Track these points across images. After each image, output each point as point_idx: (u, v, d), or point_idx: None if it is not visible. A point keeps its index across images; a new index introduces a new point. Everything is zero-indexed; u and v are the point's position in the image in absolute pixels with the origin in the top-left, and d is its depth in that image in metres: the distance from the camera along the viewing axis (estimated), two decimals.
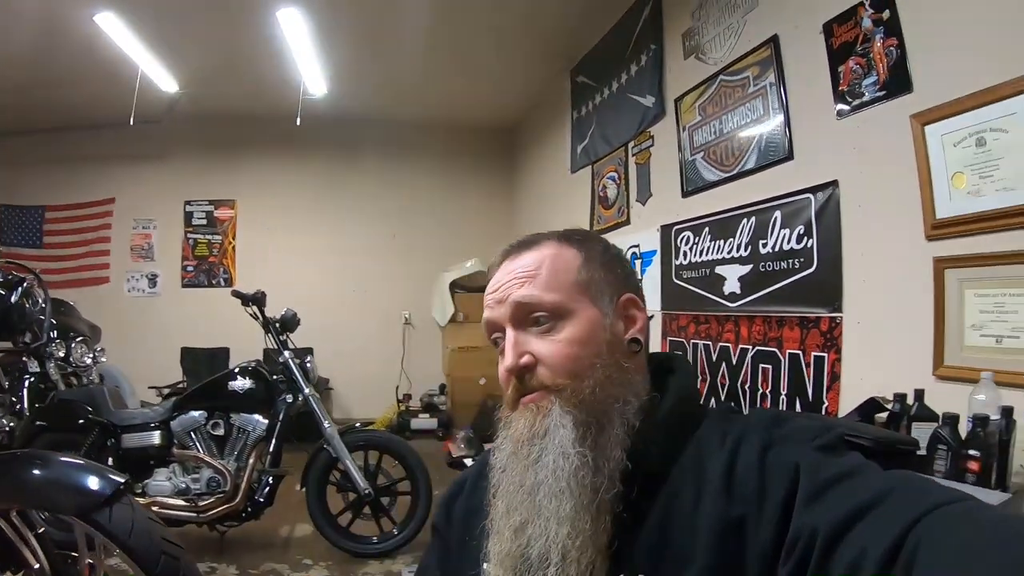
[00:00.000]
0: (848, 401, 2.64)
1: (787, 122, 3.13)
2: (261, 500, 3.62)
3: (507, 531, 0.86)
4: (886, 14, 2.56)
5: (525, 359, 0.89)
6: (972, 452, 1.81)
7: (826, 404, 2.83)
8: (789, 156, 3.13)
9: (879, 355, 2.59)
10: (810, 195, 2.97)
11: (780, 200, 3.15)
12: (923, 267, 2.38)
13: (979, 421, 1.84)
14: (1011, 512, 1.69)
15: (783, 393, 3.11)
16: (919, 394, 2.13)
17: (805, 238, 2.99)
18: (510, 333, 0.91)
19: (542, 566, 0.80)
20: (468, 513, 1.04)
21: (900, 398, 2.15)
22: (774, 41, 3.19)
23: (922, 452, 1.87)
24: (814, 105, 2.96)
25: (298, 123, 5.97)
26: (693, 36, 3.84)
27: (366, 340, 7.60)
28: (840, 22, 2.79)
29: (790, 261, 3.08)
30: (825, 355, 2.86)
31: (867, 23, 2.64)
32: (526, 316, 0.90)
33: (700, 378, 3.78)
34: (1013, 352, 2.09)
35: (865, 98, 2.68)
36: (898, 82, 2.52)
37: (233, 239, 7.65)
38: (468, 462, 5.64)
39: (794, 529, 0.67)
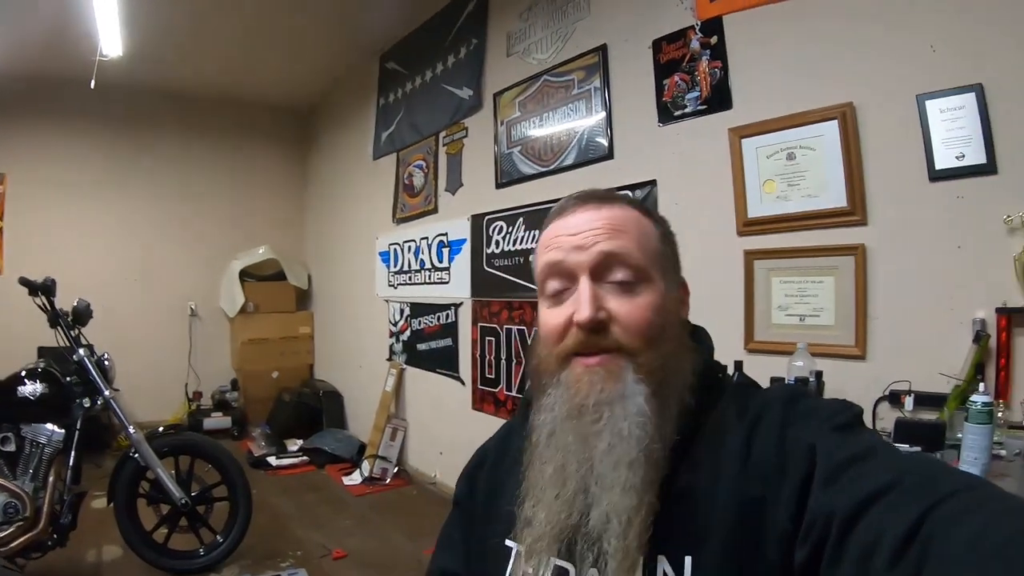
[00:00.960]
0: None
1: (609, 124, 3.32)
2: (66, 523, 3.02)
3: (555, 500, 0.80)
4: (714, 39, 2.83)
5: (603, 314, 0.82)
6: None
7: None
8: (609, 156, 3.32)
9: None
10: (629, 192, 3.12)
11: None
12: (735, 258, 2.69)
13: (800, 382, 2.17)
14: None
15: None
16: (738, 364, 2.37)
17: None
18: (587, 283, 0.83)
19: (599, 536, 0.76)
20: (492, 485, 1.00)
21: (722, 368, 2.42)
22: (603, 50, 3.36)
23: None
24: (637, 111, 3.17)
25: (92, 86, 4.85)
26: (519, 36, 3.93)
27: (149, 333, 6.57)
28: (669, 41, 3.02)
29: None
30: None
31: (695, 45, 2.90)
32: (607, 271, 0.84)
33: (516, 361, 3.88)
34: (813, 328, 2.47)
35: (687, 110, 2.94)
36: (720, 99, 2.81)
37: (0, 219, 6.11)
38: (272, 460, 5.24)
39: (811, 512, 0.66)
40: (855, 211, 2.38)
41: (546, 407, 0.85)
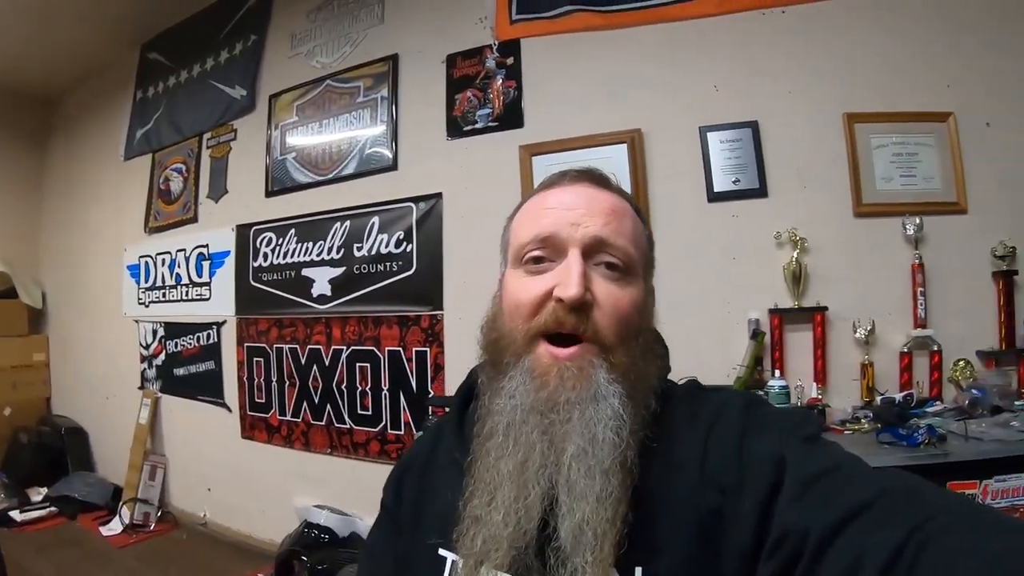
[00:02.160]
0: (454, 387, 2.66)
1: (395, 135, 3.01)
2: None
3: (514, 501, 0.70)
4: (511, 60, 2.71)
5: (588, 296, 0.74)
6: None
7: (432, 393, 2.83)
8: (393, 167, 3.00)
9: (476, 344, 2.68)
10: (412, 204, 2.91)
11: (380, 207, 3.00)
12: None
13: None
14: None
15: (385, 388, 2.98)
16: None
17: (405, 243, 2.92)
18: (577, 259, 0.74)
19: (572, 550, 0.67)
20: (421, 489, 0.89)
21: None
22: (394, 59, 3.08)
23: None
24: (426, 124, 2.92)
25: None
26: (304, 36, 3.48)
27: None
28: (465, 57, 2.85)
29: (388, 264, 2.96)
30: (427, 349, 2.86)
31: (491, 63, 2.75)
32: (599, 253, 0.76)
33: (288, 383, 3.35)
34: None
35: (478, 125, 2.76)
36: (512, 117, 2.68)
37: None
38: (16, 515, 3.99)
39: (780, 526, 0.60)
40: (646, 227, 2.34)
41: (505, 391, 0.75)
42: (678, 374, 2.12)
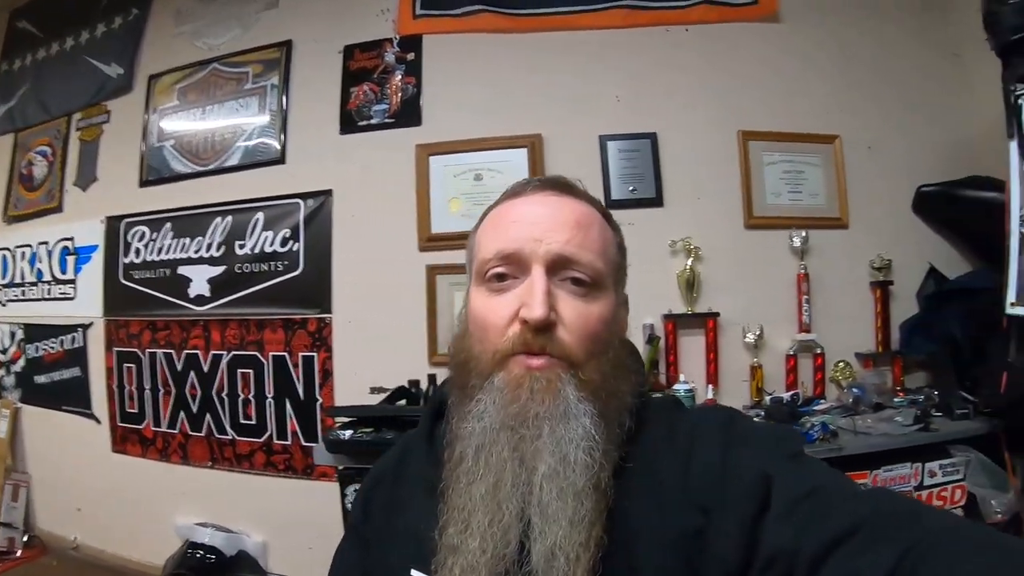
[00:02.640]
0: (343, 395, 2.57)
1: (284, 126, 2.79)
2: None
3: (489, 526, 0.66)
4: (411, 56, 2.58)
5: (553, 314, 0.70)
6: None
7: (320, 400, 2.64)
8: (281, 160, 2.78)
9: (373, 350, 2.55)
10: (300, 200, 2.70)
11: (265, 202, 2.77)
12: (417, 272, 2.46)
13: None
14: None
15: (269, 396, 2.74)
16: (432, 378, 2.28)
17: (291, 241, 2.70)
18: (541, 278, 0.70)
19: (545, 570, 0.64)
20: (390, 505, 0.84)
21: (414, 383, 2.26)
22: (287, 46, 2.85)
23: None
24: (318, 116, 2.73)
25: None
26: (191, 15, 3.17)
27: None
28: (363, 49, 2.69)
29: (273, 263, 2.73)
30: (315, 354, 2.66)
31: (390, 57, 2.61)
32: (564, 269, 0.72)
33: (163, 391, 3.02)
34: None
35: (373, 121, 2.60)
36: (409, 115, 2.55)
37: None
38: None
39: (769, 546, 0.57)
40: None
41: (474, 415, 0.71)
42: None
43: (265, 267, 2.76)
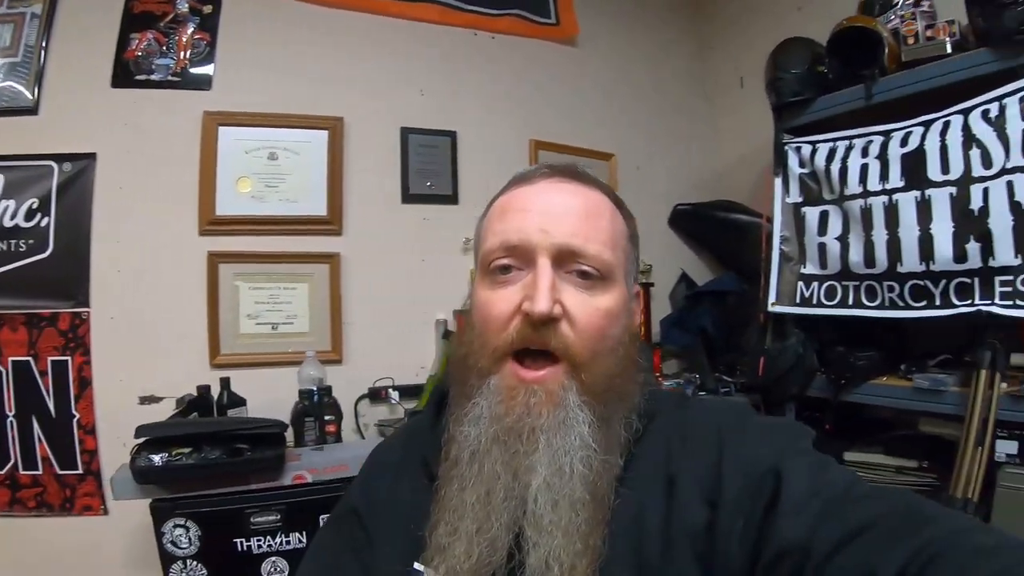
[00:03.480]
0: (107, 408, 2.08)
1: (41, 69, 2.38)
2: None
3: (476, 534, 0.66)
4: (208, 9, 2.32)
5: (558, 308, 0.68)
6: (328, 417, 2.05)
7: (77, 416, 2.09)
8: (33, 111, 2.40)
9: (143, 352, 2.14)
10: (54, 163, 2.25)
11: (8, 161, 2.34)
12: (197, 260, 2.16)
13: (316, 392, 2.06)
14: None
15: (10, 413, 2.08)
16: (225, 382, 2.02)
17: (40, 215, 2.21)
18: (546, 270, 0.68)
19: None
20: (395, 497, 0.81)
21: (204, 389, 1.99)
22: None
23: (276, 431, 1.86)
24: (86, 62, 2.32)
25: None
26: None
27: None
28: None
29: (13, 242, 2.20)
30: (69, 358, 2.12)
31: (183, 6, 2.33)
32: (571, 261, 0.70)
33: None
34: (288, 336, 2.22)
35: (155, 77, 2.30)
36: (199, 76, 2.29)
37: None
38: None
39: (779, 541, 0.56)
40: (333, 221, 2.27)
41: (471, 419, 0.70)
42: (372, 372, 2.03)
43: (3, 246, 2.22)
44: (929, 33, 1.87)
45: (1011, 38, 1.61)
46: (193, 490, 1.70)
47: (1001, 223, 1.58)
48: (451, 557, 0.66)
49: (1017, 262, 1.57)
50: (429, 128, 2.41)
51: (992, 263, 1.60)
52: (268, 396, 2.05)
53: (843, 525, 0.53)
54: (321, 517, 1.74)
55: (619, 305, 0.72)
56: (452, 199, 2.43)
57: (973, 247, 1.63)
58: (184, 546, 1.68)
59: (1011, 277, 1.58)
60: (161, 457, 1.66)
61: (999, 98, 1.62)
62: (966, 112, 1.68)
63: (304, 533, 1.76)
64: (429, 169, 2.40)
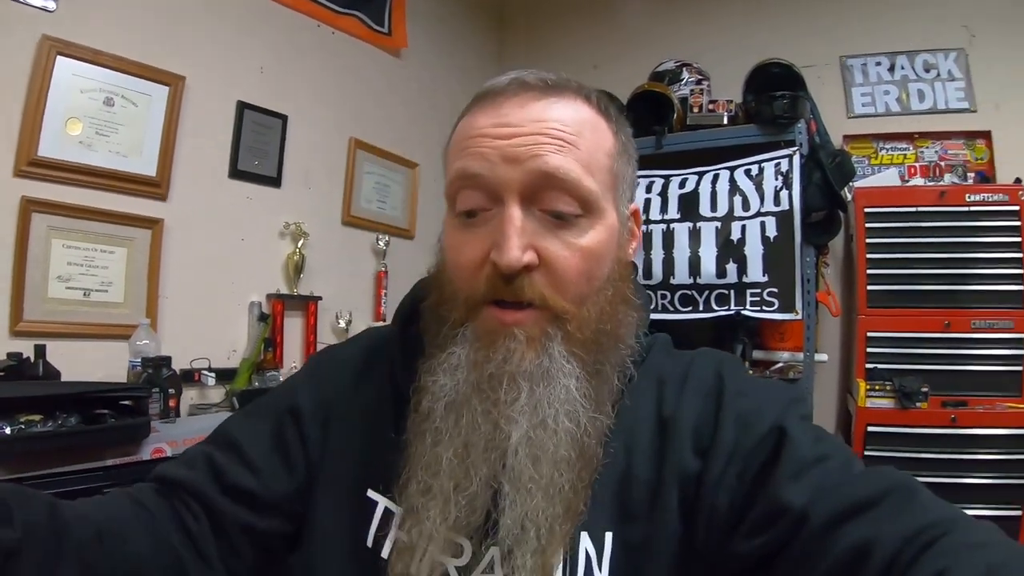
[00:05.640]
0: None
1: None
2: None
3: (454, 492, 0.61)
4: None
5: (530, 256, 0.60)
6: (171, 390, 1.95)
7: None
8: None
9: None
10: None
11: None
12: (6, 203, 1.89)
13: (152, 361, 1.96)
14: None
15: None
16: (40, 350, 1.80)
17: None
18: (515, 213, 0.60)
19: (510, 549, 0.60)
20: (348, 408, 0.76)
21: (14, 356, 1.74)
22: None
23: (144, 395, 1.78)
24: None
25: None
26: None
27: None
28: None
29: None
30: None
31: None
32: (544, 195, 0.61)
33: None
34: (101, 305, 2.05)
35: None
36: None
37: None
38: None
39: (774, 502, 0.55)
40: (161, 184, 2.19)
41: (447, 368, 0.63)
42: (185, 351, 2.12)
43: None
44: (711, 107, 2.74)
45: (775, 121, 2.51)
46: (45, 467, 1.47)
47: (753, 251, 2.46)
48: (424, 520, 0.61)
49: (764, 279, 2.45)
50: (264, 108, 2.45)
51: (745, 279, 2.43)
52: (79, 372, 1.88)
53: (842, 498, 0.52)
54: None
55: (607, 239, 0.64)
56: (276, 181, 2.50)
57: (731, 267, 2.46)
58: None
59: (759, 290, 2.47)
60: (9, 425, 1.44)
61: (759, 162, 2.53)
62: (733, 168, 2.57)
63: None
64: (259, 148, 2.44)
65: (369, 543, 0.68)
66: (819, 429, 0.63)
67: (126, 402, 1.72)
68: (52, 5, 1.95)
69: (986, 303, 2.35)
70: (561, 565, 0.62)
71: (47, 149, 1.95)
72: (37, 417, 1.49)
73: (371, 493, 0.69)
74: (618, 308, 0.66)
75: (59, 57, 1.96)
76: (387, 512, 0.68)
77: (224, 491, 0.70)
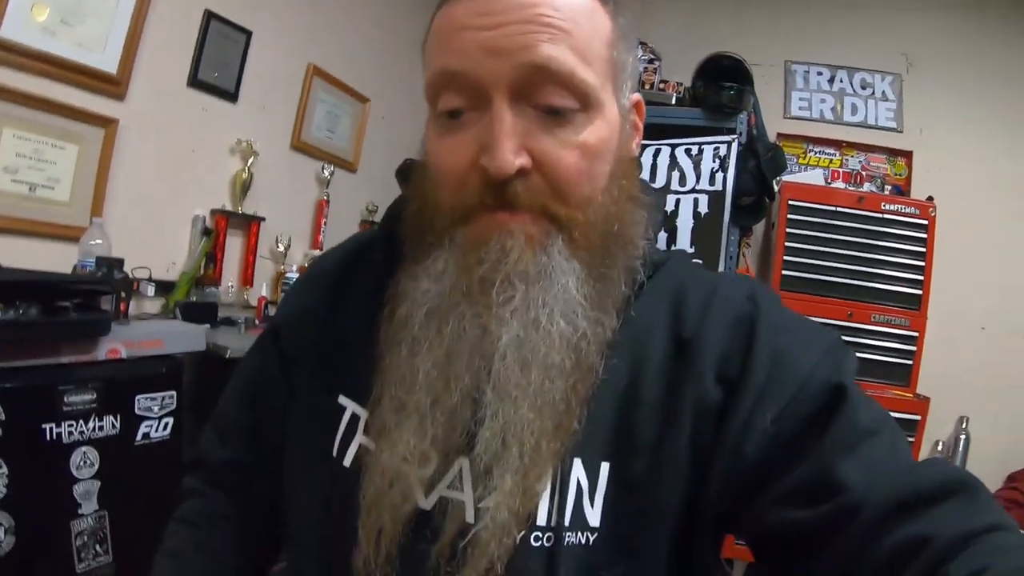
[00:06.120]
0: None
1: None
2: None
3: (432, 407, 0.55)
4: None
5: (523, 160, 0.54)
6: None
7: None
8: None
9: None
10: None
11: None
12: None
13: (106, 260, 1.89)
14: None
15: None
16: None
17: None
18: (504, 111, 0.54)
19: (488, 468, 0.54)
20: (327, 316, 0.71)
21: None
22: None
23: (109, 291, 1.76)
24: None
25: None
26: None
27: None
28: None
29: None
30: None
31: None
32: (537, 89, 0.54)
33: None
34: (45, 202, 1.99)
35: None
36: None
37: None
38: None
39: (824, 474, 0.50)
40: (121, 83, 2.13)
41: (430, 273, 0.58)
42: (128, 260, 2.12)
43: None
44: (662, 86, 2.96)
45: (720, 108, 2.77)
46: (1, 359, 1.43)
47: (684, 223, 2.73)
48: (399, 440, 0.55)
49: (691, 251, 2.69)
50: (230, 20, 2.40)
51: (674, 248, 2.61)
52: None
53: (902, 488, 0.48)
54: (137, 397, 1.71)
55: (608, 134, 0.59)
56: (233, 97, 2.47)
57: (662, 236, 2.65)
58: None
59: None
60: None
61: (700, 144, 2.76)
62: (675, 146, 2.79)
63: (118, 417, 1.66)
64: (220, 61, 2.39)
65: (334, 452, 0.64)
66: (864, 392, 0.56)
67: (76, 300, 1.65)
68: None
69: (887, 301, 2.67)
70: (548, 492, 0.55)
71: (8, 31, 1.86)
72: None
73: (342, 399, 0.65)
74: (624, 208, 0.60)
75: None
76: (354, 417, 0.64)
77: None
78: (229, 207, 2.48)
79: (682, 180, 2.77)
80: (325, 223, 2.87)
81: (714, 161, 2.74)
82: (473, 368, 0.55)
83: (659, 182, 2.78)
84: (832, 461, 0.50)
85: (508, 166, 0.52)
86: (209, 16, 2.33)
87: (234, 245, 2.53)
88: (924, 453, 2.77)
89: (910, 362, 2.67)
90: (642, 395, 0.58)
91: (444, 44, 0.56)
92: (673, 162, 2.79)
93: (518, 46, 0.53)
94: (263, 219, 2.59)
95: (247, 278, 2.56)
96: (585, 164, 0.56)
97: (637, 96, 0.65)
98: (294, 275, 2.60)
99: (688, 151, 2.78)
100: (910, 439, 2.52)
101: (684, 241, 2.74)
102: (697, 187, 2.74)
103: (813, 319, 0.63)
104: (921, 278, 2.67)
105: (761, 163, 2.74)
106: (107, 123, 2.10)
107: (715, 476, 0.54)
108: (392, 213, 0.70)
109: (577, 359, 0.55)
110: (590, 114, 0.56)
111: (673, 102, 2.94)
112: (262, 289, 2.59)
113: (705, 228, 2.73)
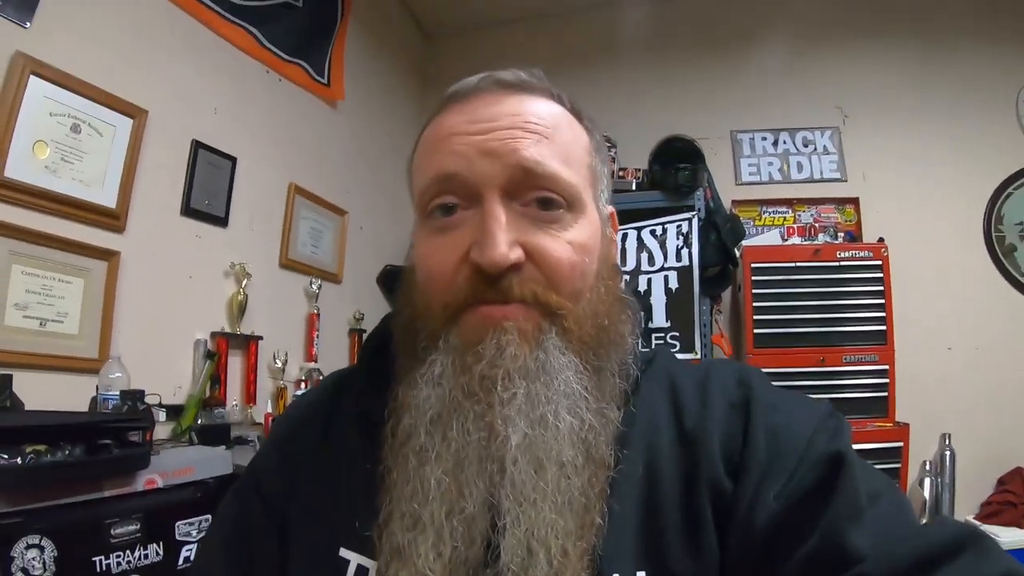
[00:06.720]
0: None
1: None
2: None
3: (447, 520, 0.53)
4: None
5: (517, 253, 0.55)
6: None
7: None
8: None
9: None
10: None
11: None
12: None
13: (131, 394, 1.90)
14: None
15: None
16: (6, 380, 1.68)
17: None
18: (497, 206, 0.56)
19: (519, 569, 0.51)
20: (317, 468, 0.67)
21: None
22: None
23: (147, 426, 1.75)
24: None
25: None
26: None
27: None
28: None
29: None
30: None
31: None
32: (527, 189, 0.57)
33: None
34: (55, 336, 1.95)
35: None
36: (20, 5, 1.86)
37: None
38: None
39: (833, 544, 0.49)
40: (120, 216, 2.15)
41: (429, 379, 0.57)
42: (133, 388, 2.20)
43: None
44: (621, 173, 3.13)
45: (678, 189, 2.94)
46: (47, 499, 1.45)
47: (658, 300, 2.84)
48: (415, 557, 0.52)
49: (667, 325, 2.81)
50: (217, 148, 2.47)
51: (651, 325, 2.76)
52: (37, 404, 1.77)
53: (910, 551, 0.47)
54: (177, 524, 1.74)
55: (592, 234, 0.61)
56: (223, 222, 2.50)
57: (640, 314, 2.81)
58: (38, 572, 1.41)
59: (663, 333, 2.83)
60: (16, 455, 1.37)
61: (664, 223, 2.92)
62: (640, 229, 2.94)
63: (161, 544, 1.70)
64: (210, 188, 2.43)
65: None
66: (860, 457, 0.56)
67: (105, 440, 1.64)
68: (27, 21, 1.89)
69: (854, 341, 2.79)
70: None
71: (14, 171, 1.86)
72: (42, 447, 1.43)
73: (343, 552, 0.61)
74: (613, 306, 0.62)
75: (32, 76, 1.90)
76: (360, 569, 0.60)
77: None
78: (228, 329, 2.47)
79: (651, 260, 2.93)
80: (317, 335, 2.86)
81: (678, 239, 2.91)
82: (485, 474, 0.53)
83: (630, 264, 2.94)
84: (841, 531, 0.49)
85: (503, 259, 0.53)
86: (196, 146, 2.39)
87: (235, 365, 2.51)
88: (912, 474, 2.85)
89: (885, 394, 2.80)
90: (661, 490, 0.57)
91: (437, 149, 0.60)
92: (641, 244, 2.96)
93: (508, 149, 0.56)
94: (260, 337, 2.58)
95: (250, 396, 2.54)
96: (577, 258, 0.58)
97: (612, 209, 0.69)
98: (291, 388, 2.68)
99: (653, 232, 2.96)
100: (895, 465, 2.63)
101: (659, 317, 2.87)
102: (665, 265, 2.90)
103: (803, 395, 0.64)
104: (883, 314, 2.83)
105: (722, 234, 2.94)
106: (110, 256, 2.09)
107: (734, 545, 0.54)
108: (371, 344, 0.71)
109: (588, 452, 0.54)
110: (575, 213, 0.59)
111: (634, 188, 3.13)
112: (267, 406, 2.59)
113: (677, 302, 2.87)
